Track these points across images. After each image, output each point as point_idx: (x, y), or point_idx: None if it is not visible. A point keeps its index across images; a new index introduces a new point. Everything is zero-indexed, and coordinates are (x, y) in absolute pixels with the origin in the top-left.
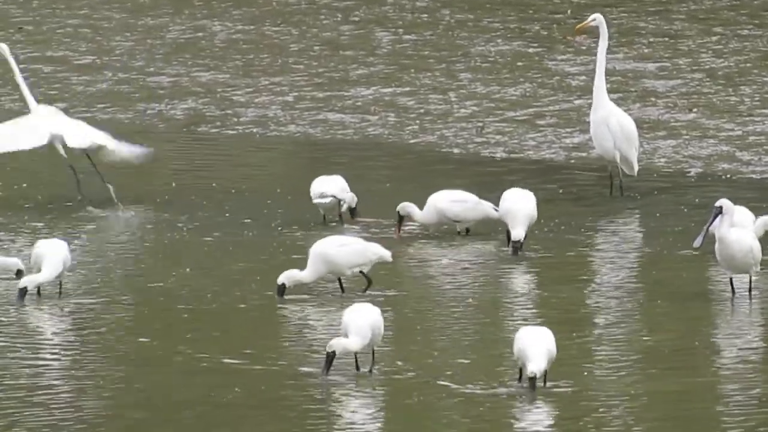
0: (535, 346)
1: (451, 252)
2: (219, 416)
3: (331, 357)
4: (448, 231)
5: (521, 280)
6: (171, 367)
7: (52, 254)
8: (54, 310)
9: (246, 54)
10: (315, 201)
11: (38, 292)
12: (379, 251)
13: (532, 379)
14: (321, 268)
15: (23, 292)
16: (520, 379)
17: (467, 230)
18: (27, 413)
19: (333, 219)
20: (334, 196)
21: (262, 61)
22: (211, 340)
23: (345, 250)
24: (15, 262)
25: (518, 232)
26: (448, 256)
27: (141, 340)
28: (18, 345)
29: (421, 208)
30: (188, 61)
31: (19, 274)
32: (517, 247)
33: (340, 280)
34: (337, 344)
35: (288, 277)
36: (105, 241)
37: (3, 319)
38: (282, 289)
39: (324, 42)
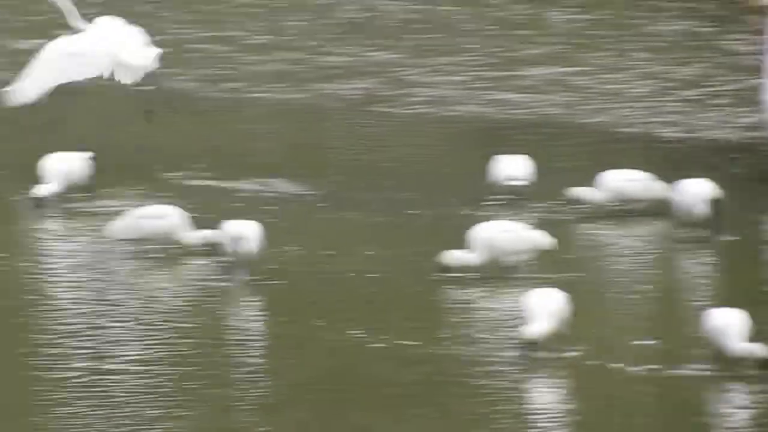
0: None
1: (624, 233)
2: (398, 399)
3: (524, 344)
4: (622, 212)
5: (700, 262)
6: (346, 351)
7: (248, 237)
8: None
9: (420, 34)
10: (506, 182)
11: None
12: (542, 238)
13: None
14: (484, 252)
15: (234, 272)
16: (711, 362)
17: (637, 211)
18: (205, 394)
19: (508, 201)
20: (525, 178)
21: (436, 40)
22: (384, 323)
23: (507, 236)
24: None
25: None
26: (622, 237)
27: (317, 323)
28: (163, 325)
29: (594, 188)
30: (362, 40)
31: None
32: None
33: (511, 263)
34: (527, 331)
35: (453, 258)
36: (276, 220)
37: (162, 304)
38: (446, 270)
39: (497, 21)
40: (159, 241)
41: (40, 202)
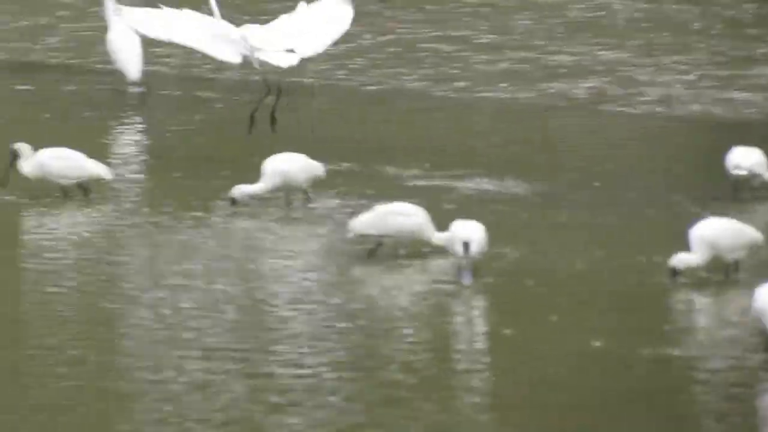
0: None
1: None
2: (620, 402)
3: None
4: None
5: None
6: (569, 353)
7: (474, 238)
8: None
9: (648, 32)
10: (738, 171)
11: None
12: (756, 235)
13: None
14: (706, 251)
15: (462, 272)
16: None
17: None
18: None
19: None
20: (759, 168)
21: (664, 39)
22: (608, 325)
23: (725, 233)
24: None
25: None
26: None
27: (541, 325)
28: (390, 326)
29: None
30: (589, 39)
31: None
32: None
33: (733, 261)
34: None
35: (680, 260)
36: (503, 219)
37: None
38: (674, 273)
39: (726, 20)
40: (396, 240)
41: (235, 202)
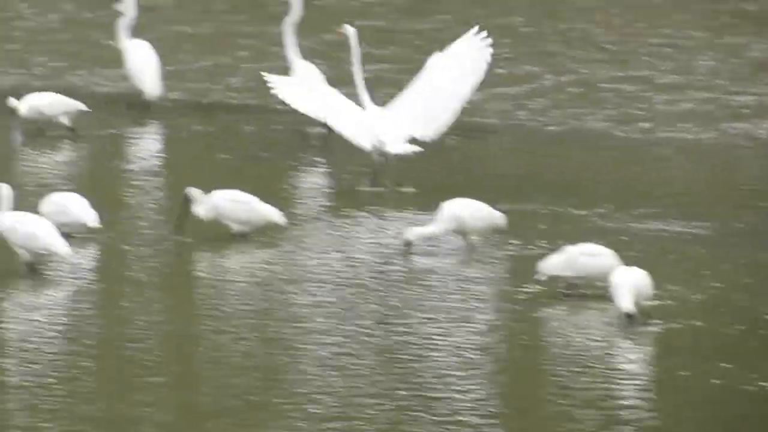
0: None
1: None
2: None
3: None
4: None
5: None
6: (712, 390)
7: (633, 285)
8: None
9: None
10: None
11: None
12: None
13: None
14: None
15: (624, 315)
16: None
17: None
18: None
19: None
20: None
21: None
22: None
23: None
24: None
25: None
26: None
27: (730, 362)
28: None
29: None
30: None
31: None
32: None
33: None
34: None
35: None
36: (684, 259)
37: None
38: None
39: None
40: (586, 282)
41: (410, 244)
